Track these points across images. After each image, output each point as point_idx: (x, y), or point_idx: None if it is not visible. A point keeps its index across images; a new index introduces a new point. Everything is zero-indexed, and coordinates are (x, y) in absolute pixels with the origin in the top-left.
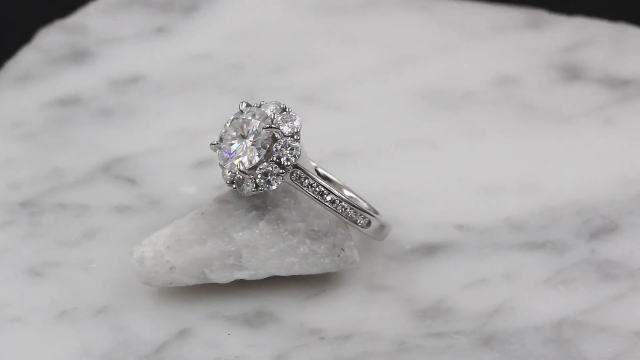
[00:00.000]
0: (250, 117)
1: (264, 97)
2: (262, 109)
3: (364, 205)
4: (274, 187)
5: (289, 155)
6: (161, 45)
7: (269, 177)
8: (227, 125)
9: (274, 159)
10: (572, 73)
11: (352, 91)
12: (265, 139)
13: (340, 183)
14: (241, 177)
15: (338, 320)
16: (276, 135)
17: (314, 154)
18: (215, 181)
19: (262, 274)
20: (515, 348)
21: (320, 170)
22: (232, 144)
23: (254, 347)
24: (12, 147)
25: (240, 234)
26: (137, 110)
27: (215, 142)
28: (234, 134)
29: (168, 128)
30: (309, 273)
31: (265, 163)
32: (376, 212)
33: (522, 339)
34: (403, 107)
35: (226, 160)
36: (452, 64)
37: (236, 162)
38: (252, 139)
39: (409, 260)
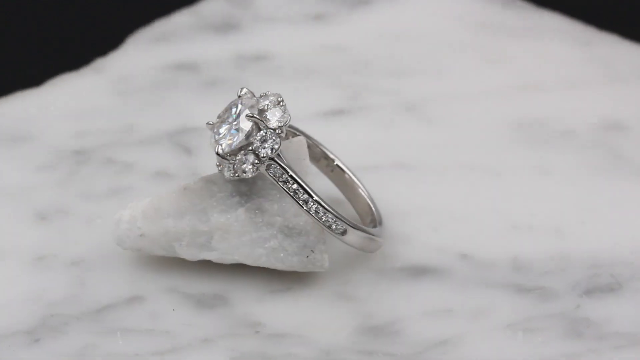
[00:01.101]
0: (240, 104)
1: (364, 96)
2: (257, 98)
3: (345, 213)
4: (248, 175)
5: (267, 147)
6: (309, 32)
7: (245, 166)
8: (225, 107)
9: (252, 148)
10: None
11: (454, 107)
12: (248, 128)
13: (359, 184)
14: (220, 161)
15: (285, 319)
16: (260, 126)
17: (375, 159)
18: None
19: (229, 259)
20: None
21: (339, 164)
22: (221, 127)
23: (188, 326)
24: (107, 99)
25: (216, 215)
26: (242, 86)
27: (212, 122)
28: (226, 117)
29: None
30: (274, 267)
31: (243, 152)
32: (380, 223)
33: None
34: (494, 132)
35: (216, 141)
36: (573, 100)
37: (217, 145)
38: (235, 125)
39: (391, 277)
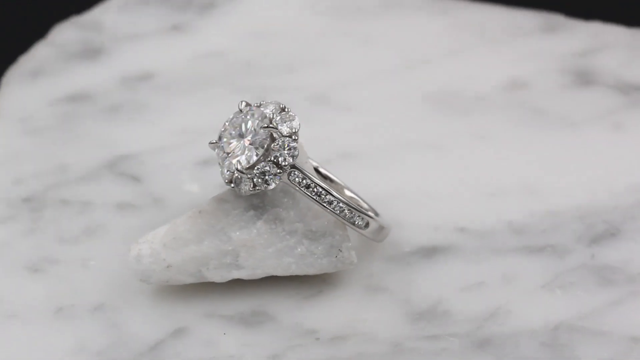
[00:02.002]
0: (249, 117)
1: (274, 96)
2: (262, 109)
3: (364, 206)
4: (271, 187)
5: (286, 155)
6: (176, 43)
7: (267, 177)
8: (227, 124)
9: (272, 158)
10: (584, 78)
11: (362, 92)
12: (264, 139)
13: (342, 183)
14: (239, 176)
15: (334, 321)
16: (274, 135)
17: (320, 154)
18: (218, 180)
19: (259, 273)
20: (509, 352)
21: (321, 170)
22: (230, 143)
23: (248, 346)
24: (19, 141)
25: (237, 233)
26: (146, 107)
27: (215, 141)
28: (233, 132)
29: (176, 126)
30: (306, 273)
31: (262, 163)
32: (376, 214)
33: (517, 343)
34: (412, 109)
35: (224, 159)
36: (465, 67)
37: (234, 161)
38: (250, 138)
39: (408, 262)
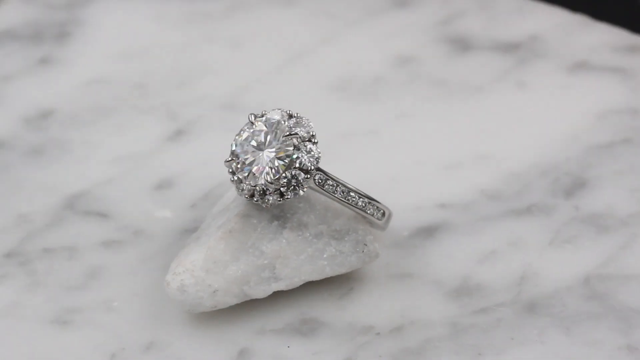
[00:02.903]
0: (263, 128)
1: (186, 111)
2: (272, 118)
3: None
4: (300, 193)
5: (310, 159)
6: (55, 76)
7: (295, 185)
8: (239, 139)
9: (297, 165)
10: (461, 44)
11: (269, 93)
12: (287, 147)
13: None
14: (266, 188)
15: (382, 313)
16: (296, 142)
17: None
18: (183, 201)
19: (297, 281)
20: (560, 310)
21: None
22: (248, 157)
23: (318, 354)
24: None
25: (268, 245)
26: (68, 143)
27: (230, 159)
28: (249, 146)
29: (107, 156)
30: (338, 273)
31: (289, 170)
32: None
33: (562, 300)
34: (322, 100)
35: (244, 174)
36: (344, 52)
37: (259, 174)
38: (271, 149)
39: (414, 245)
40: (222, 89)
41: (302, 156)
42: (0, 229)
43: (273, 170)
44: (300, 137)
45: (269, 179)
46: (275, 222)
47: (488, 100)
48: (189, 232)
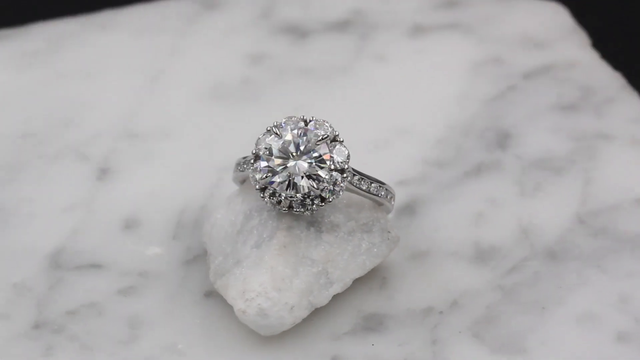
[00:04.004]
0: (291, 137)
1: (93, 149)
2: (297, 127)
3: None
4: (339, 195)
5: (342, 159)
6: None
7: (336, 187)
8: (266, 153)
9: (333, 167)
10: (298, 32)
11: (154, 113)
12: (323, 151)
13: None
14: (308, 196)
15: (428, 294)
16: (329, 144)
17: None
18: (161, 235)
19: (348, 282)
20: (578, 250)
21: None
22: (282, 166)
23: (403, 345)
24: None
25: (315, 252)
26: (2, 205)
27: (265, 176)
28: (279, 159)
29: (55, 208)
30: (375, 265)
31: (331, 173)
32: None
33: (573, 242)
34: (207, 108)
35: (282, 186)
36: (199, 61)
37: (302, 183)
38: (307, 156)
39: (404, 225)
40: (110, 120)
41: (335, 157)
42: (5, 302)
43: (314, 175)
44: (331, 139)
45: (315, 185)
46: (312, 229)
47: (362, 79)
48: (190, 262)
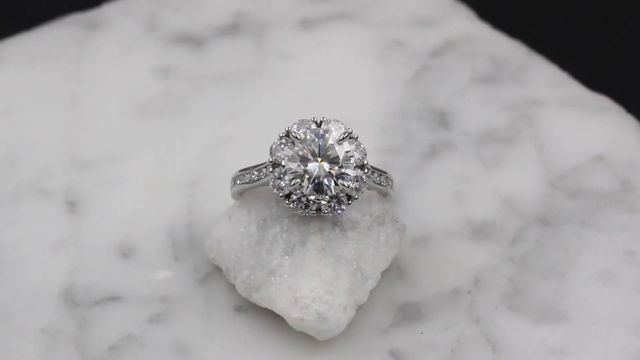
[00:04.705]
0: (309, 141)
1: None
2: (307, 129)
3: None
4: (362, 191)
5: (361, 156)
6: None
7: (360, 185)
8: (283, 158)
9: (356, 164)
10: (191, 41)
11: (95, 139)
12: (345, 149)
13: None
14: (335, 197)
15: (450, 276)
16: (350, 143)
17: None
18: (162, 258)
19: (378, 276)
20: (568, 214)
21: None
22: (308, 170)
23: (450, 328)
24: None
25: (345, 251)
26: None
27: (293, 182)
28: (303, 164)
29: (44, 245)
30: (394, 255)
31: (353, 172)
32: None
33: (560, 206)
34: (138, 126)
35: (309, 189)
36: (106, 82)
37: (331, 184)
38: (330, 157)
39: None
40: (52, 153)
41: (356, 155)
42: (43, 349)
43: (341, 175)
44: (355, 138)
45: (345, 184)
46: (337, 228)
47: (278, 78)
48: (205, 280)
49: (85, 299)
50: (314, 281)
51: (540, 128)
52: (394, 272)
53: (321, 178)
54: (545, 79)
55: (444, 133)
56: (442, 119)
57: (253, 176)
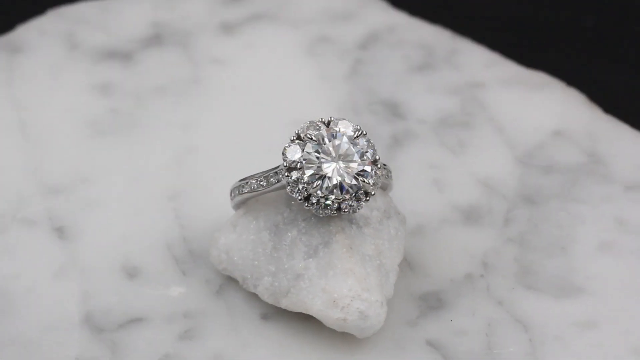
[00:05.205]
0: (324, 139)
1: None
2: (318, 130)
3: None
4: (378, 186)
5: (373, 151)
6: None
7: (376, 179)
8: (299, 161)
9: (372, 159)
10: (119, 55)
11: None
12: (360, 146)
13: None
14: (355, 194)
15: (460, 262)
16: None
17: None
18: (168, 276)
19: (397, 269)
20: (551, 185)
21: None
22: (327, 170)
23: (477, 312)
24: None
25: (367, 248)
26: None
27: (315, 184)
28: (322, 164)
29: (47, 271)
30: (404, 247)
31: (373, 169)
32: None
33: (539, 180)
34: (92, 142)
35: (329, 190)
36: (50, 104)
37: (353, 182)
38: (346, 156)
39: None
40: (22, 181)
41: (370, 151)
42: None
43: (361, 172)
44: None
45: (366, 181)
46: (354, 226)
47: (220, 84)
48: (220, 292)
49: (107, 323)
50: (349, 280)
51: (491, 109)
52: (402, 264)
53: (340, 177)
54: (479, 61)
55: (400, 123)
56: (394, 110)
57: (261, 183)
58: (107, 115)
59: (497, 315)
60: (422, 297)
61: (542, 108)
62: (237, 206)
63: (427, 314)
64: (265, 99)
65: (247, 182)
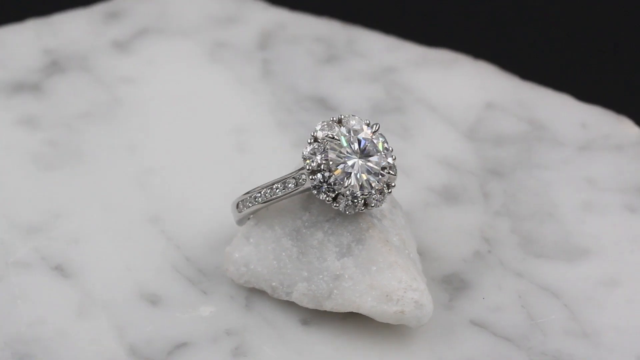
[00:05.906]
0: (345, 138)
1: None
2: (335, 129)
3: None
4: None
5: (388, 144)
6: None
7: (395, 171)
8: (323, 163)
9: (385, 154)
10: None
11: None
12: (381, 140)
13: None
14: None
15: (461, 238)
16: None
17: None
18: (187, 296)
19: (418, 255)
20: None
21: None
22: (349, 167)
23: (504, 285)
24: None
25: (393, 240)
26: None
27: (347, 183)
28: (348, 162)
29: (64, 309)
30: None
31: (392, 161)
32: None
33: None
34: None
35: (355, 186)
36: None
37: (375, 178)
38: (368, 151)
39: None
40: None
41: (387, 144)
42: None
43: (388, 165)
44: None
45: (393, 173)
46: (375, 220)
47: (146, 105)
48: (250, 305)
49: (155, 353)
50: (397, 272)
51: (415, 91)
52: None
53: (365, 173)
54: (381, 47)
55: (336, 116)
56: (324, 104)
57: (277, 191)
58: (45, 149)
59: (522, 286)
60: (444, 280)
61: (463, 83)
62: (242, 221)
63: (457, 295)
64: (196, 110)
65: (259, 193)
